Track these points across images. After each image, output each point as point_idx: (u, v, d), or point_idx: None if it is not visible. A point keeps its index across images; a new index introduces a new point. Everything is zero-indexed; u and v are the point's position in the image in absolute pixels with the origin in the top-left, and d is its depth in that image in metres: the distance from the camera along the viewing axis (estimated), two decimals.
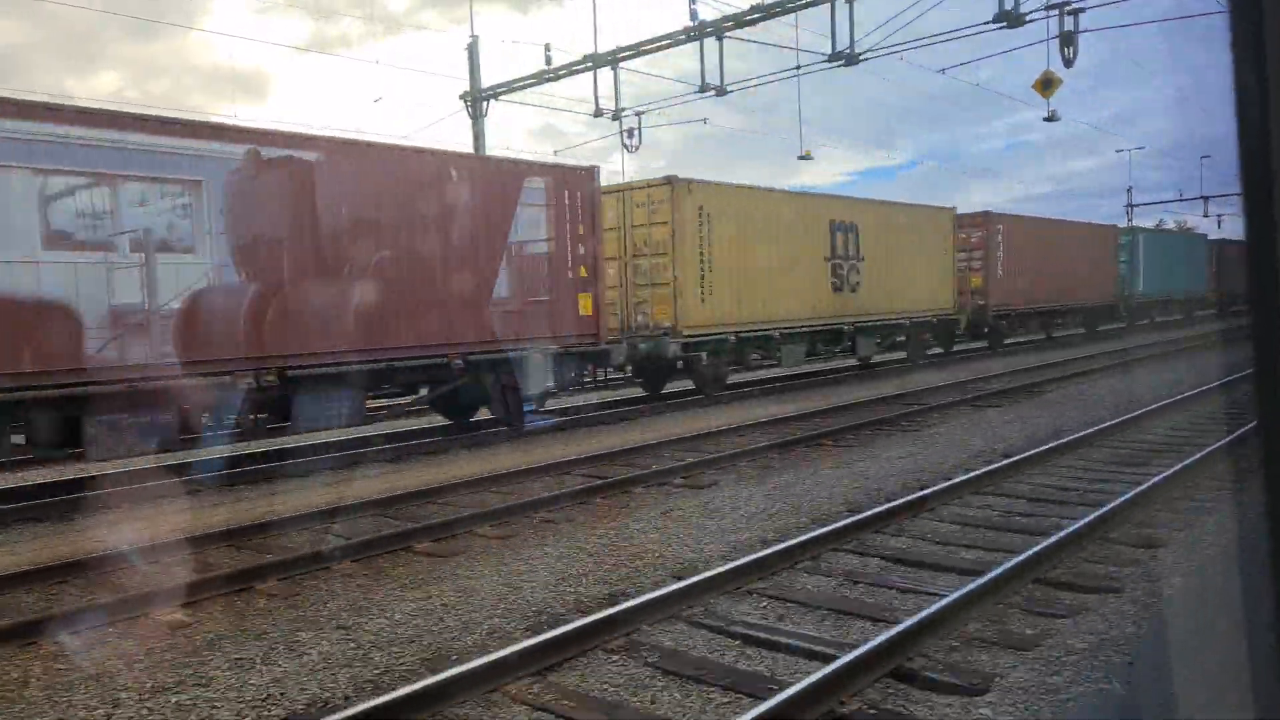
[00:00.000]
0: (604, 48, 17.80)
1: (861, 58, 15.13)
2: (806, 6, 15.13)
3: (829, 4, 14.77)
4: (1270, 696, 1.03)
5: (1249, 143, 0.86)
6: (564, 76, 18.86)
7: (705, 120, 28.26)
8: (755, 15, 15.46)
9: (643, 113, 18.74)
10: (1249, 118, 0.85)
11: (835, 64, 15.46)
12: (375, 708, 3.60)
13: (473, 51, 20.05)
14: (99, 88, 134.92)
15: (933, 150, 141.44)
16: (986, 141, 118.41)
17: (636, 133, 18.76)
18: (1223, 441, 9.06)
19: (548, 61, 18.72)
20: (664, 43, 16.80)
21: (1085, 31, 13.61)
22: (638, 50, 17.32)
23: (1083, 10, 13.48)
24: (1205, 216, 40.02)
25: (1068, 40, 13.54)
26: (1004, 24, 13.63)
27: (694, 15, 15.98)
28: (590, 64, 18.13)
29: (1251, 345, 0.89)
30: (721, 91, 16.99)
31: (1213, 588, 5.03)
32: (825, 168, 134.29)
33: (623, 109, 18.52)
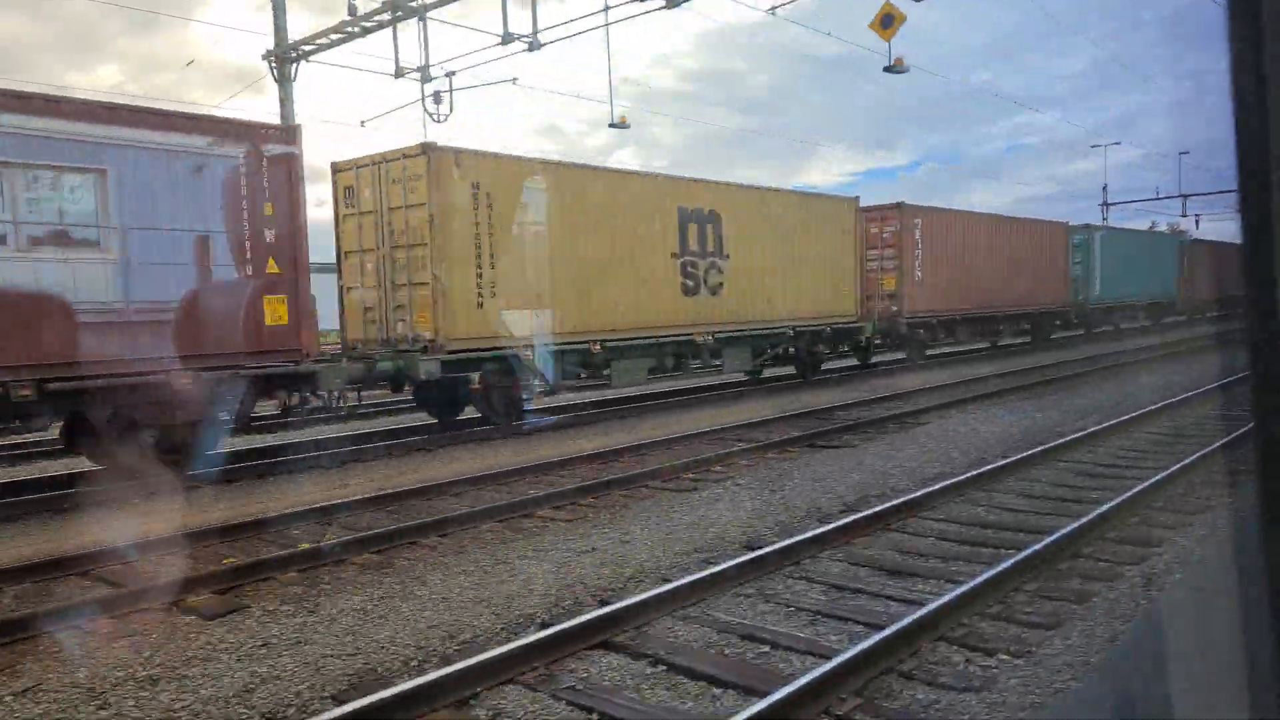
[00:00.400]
0: None
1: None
2: None
3: None
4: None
5: (1246, 144, 0.86)
6: (371, 31, 16.06)
7: (515, 80, 24.47)
8: None
9: (453, 73, 16.38)
10: (1246, 119, 0.85)
11: (652, 8, 13.76)
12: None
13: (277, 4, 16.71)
14: (99, 82, 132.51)
15: (934, 152, 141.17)
16: (988, 144, 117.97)
17: (447, 99, 16.23)
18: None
19: (351, 11, 15.73)
20: None
21: None
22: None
23: None
24: (1183, 216, 37.92)
25: None
26: None
27: None
28: (392, 12, 15.52)
29: (1247, 348, 0.88)
30: (534, 45, 14.86)
31: None
32: (826, 168, 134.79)
33: (429, 66, 15.98)
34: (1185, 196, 37.93)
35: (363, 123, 26.69)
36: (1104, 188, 44.38)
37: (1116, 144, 52.33)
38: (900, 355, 21.96)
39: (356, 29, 15.92)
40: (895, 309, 19.81)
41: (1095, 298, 28.24)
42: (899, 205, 20.00)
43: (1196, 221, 42.51)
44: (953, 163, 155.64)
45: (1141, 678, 3.44)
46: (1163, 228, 48.29)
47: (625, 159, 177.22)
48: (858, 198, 18.58)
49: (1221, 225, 49.04)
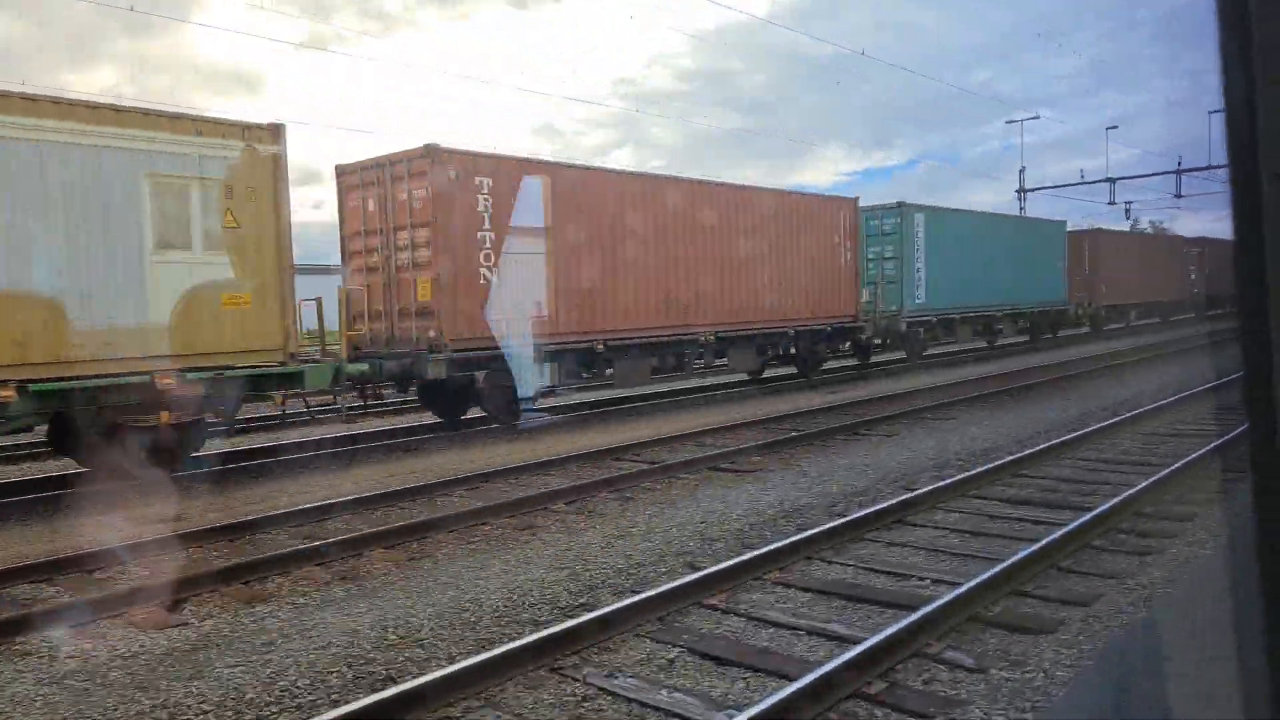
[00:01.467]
0: None
1: None
2: None
3: None
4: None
5: (1237, 145, 0.87)
6: None
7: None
8: None
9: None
10: (1237, 120, 0.86)
11: None
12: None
13: None
14: (95, 84, 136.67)
15: (931, 150, 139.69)
16: (984, 143, 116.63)
17: None
18: None
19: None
20: None
21: None
22: None
23: None
24: (1111, 204, 34.33)
25: None
26: None
27: None
28: None
29: (1240, 349, 0.89)
30: None
31: None
32: (823, 168, 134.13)
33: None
34: (1112, 180, 33.44)
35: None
36: (1021, 170, 38.80)
37: (1035, 118, 51.39)
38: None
39: None
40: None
41: (916, 308, 20.31)
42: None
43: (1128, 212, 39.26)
44: (950, 162, 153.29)
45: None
46: (1144, 227, 46.72)
47: (623, 158, 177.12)
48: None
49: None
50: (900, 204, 20.23)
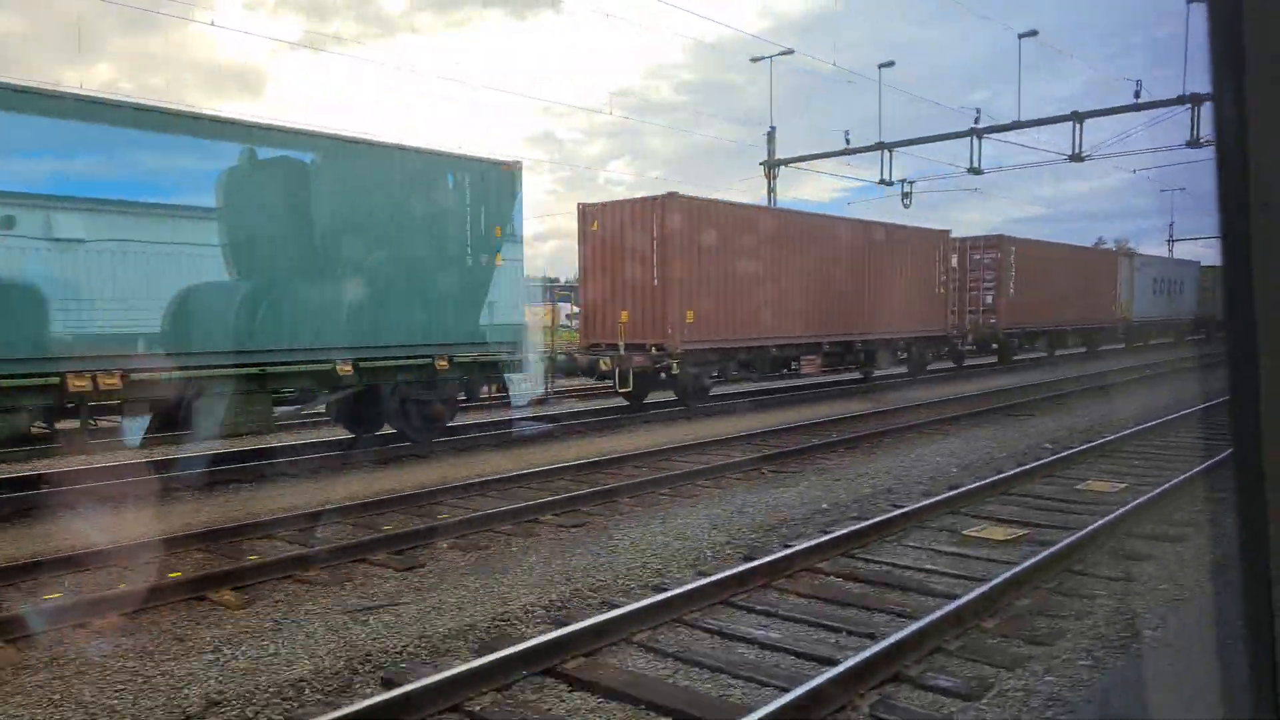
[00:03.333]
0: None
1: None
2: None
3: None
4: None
5: (1227, 168, 0.89)
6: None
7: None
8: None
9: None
10: (1228, 144, 0.89)
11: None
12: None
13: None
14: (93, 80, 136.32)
15: (926, 169, 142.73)
16: (979, 163, 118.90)
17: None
18: None
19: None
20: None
21: None
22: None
23: None
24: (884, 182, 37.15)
25: None
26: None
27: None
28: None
29: (1227, 368, 0.93)
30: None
31: None
32: (821, 183, 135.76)
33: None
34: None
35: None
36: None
37: (787, 52, 46.54)
38: None
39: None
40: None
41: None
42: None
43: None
44: (945, 181, 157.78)
45: None
46: (1110, 244, 49.28)
47: (620, 169, 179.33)
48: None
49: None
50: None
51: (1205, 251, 54.86)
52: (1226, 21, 0.87)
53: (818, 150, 33.04)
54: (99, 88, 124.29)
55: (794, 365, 19.21)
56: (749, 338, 17.15)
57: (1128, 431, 12.95)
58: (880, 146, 28.57)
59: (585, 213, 16.66)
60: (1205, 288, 44.00)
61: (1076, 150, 25.31)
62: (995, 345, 27.54)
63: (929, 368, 24.65)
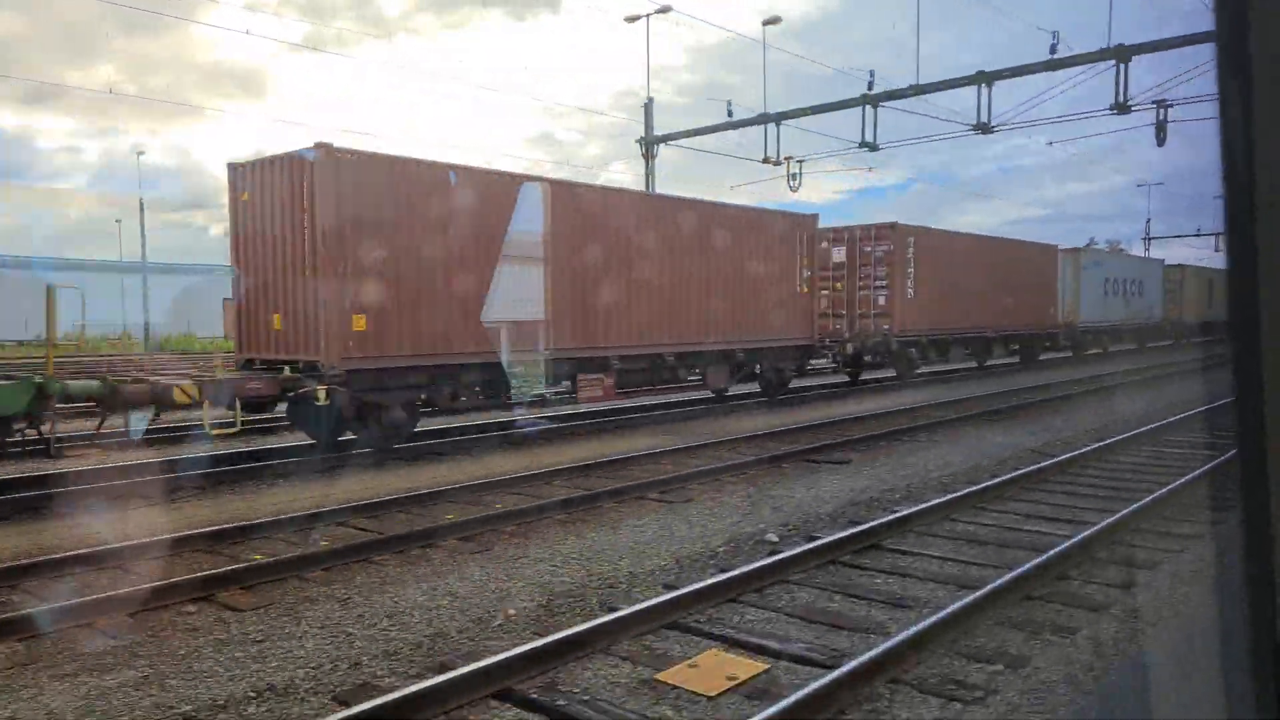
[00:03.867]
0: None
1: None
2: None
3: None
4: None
5: (1232, 174, 0.88)
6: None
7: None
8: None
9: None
10: (1234, 150, 0.88)
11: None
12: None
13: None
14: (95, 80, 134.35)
15: (926, 172, 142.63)
16: (979, 165, 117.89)
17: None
18: None
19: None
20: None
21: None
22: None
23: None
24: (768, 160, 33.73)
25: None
26: (1114, 111, 19.16)
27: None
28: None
29: (1232, 368, 0.90)
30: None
31: None
32: (819, 186, 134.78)
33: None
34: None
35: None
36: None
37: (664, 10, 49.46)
38: None
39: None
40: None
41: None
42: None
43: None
44: (945, 183, 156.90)
45: None
46: (1100, 246, 47.29)
47: (621, 170, 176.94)
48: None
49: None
50: None
51: (1190, 252, 51.05)
52: (1232, 23, 0.88)
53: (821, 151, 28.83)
54: (99, 87, 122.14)
55: (568, 387, 14.45)
56: (458, 354, 12.14)
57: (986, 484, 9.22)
58: (764, 119, 24.14)
59: (235, 178, 12.05)
60: (1171, 289, 39.33)
61: (983, 119, 20.78)
62: (889, 358, 22.86)
63: (794, 384, 19.92)
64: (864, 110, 22.02)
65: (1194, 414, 14.11)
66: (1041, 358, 30.87)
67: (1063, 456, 10.74)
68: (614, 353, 14.46)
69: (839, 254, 22.34)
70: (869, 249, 21.91)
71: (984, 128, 20.78)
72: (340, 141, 11.30)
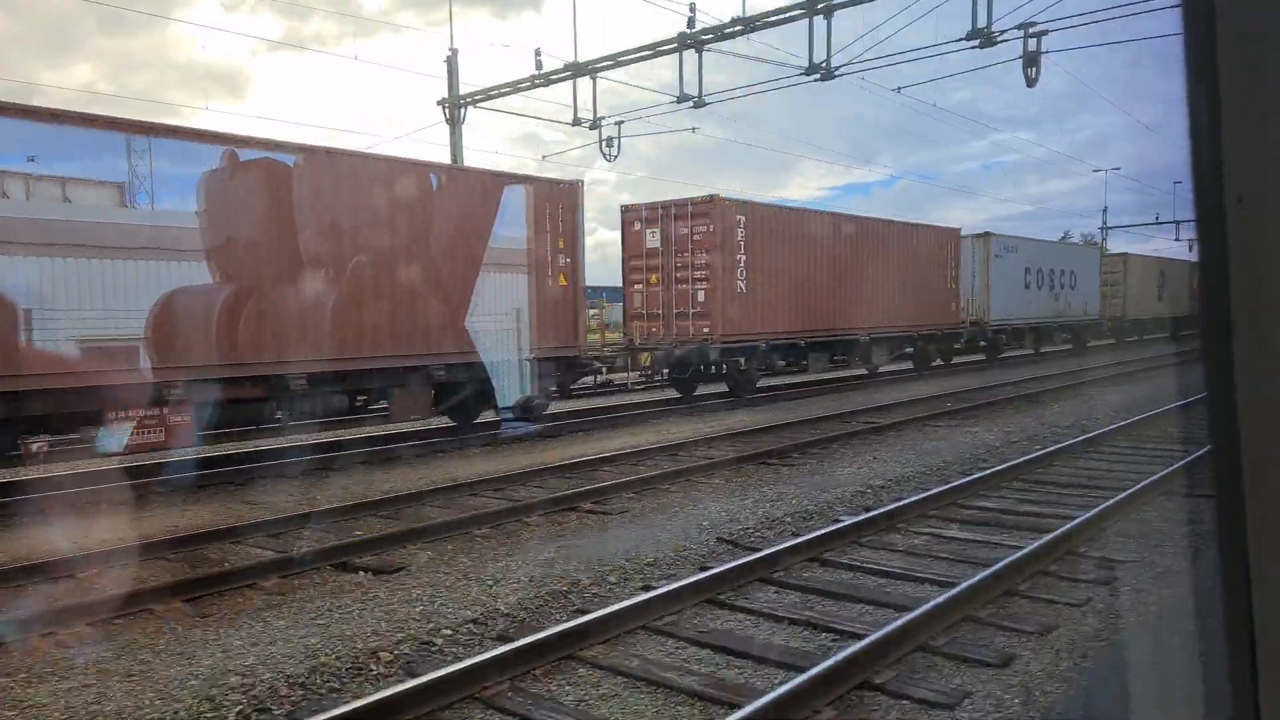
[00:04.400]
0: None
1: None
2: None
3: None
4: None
5: (1202, 169, 0.89)
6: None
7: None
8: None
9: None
10: (1202, 145, 0.89)
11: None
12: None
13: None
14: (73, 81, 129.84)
15: (911, 168, 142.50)
16: (963, 162, 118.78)
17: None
18: None
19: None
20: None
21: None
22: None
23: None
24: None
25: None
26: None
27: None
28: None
29: (1204, 364, 0.92)
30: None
31: None
32: (804, 183, 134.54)
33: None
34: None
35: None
36: None
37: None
38: None
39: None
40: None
41: None
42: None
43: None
44: (930, 180, 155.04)
45: None
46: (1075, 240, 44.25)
47: (602, 171, 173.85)
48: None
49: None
50: None
51: (1165, 244, 48.36)
52: (1199, 16, 0.88)
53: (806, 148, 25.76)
54: (79, 88, 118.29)
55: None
56: None
57: None
58: (573, 71, 19.38)
59: None
60: (1112, 280, 34.86)
61: (818, 59, 16.07)
62: (712, 369, 18.06)
63: (585, 405, 15.21)
64: (680, 56, 17.36)
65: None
66: (954, 362, 26.54)
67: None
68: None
69: (653, 238, 17.63)
70: (685, 230, 17.18)
71: (821, 70, 16.08)
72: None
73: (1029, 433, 12.87)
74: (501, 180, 13.04)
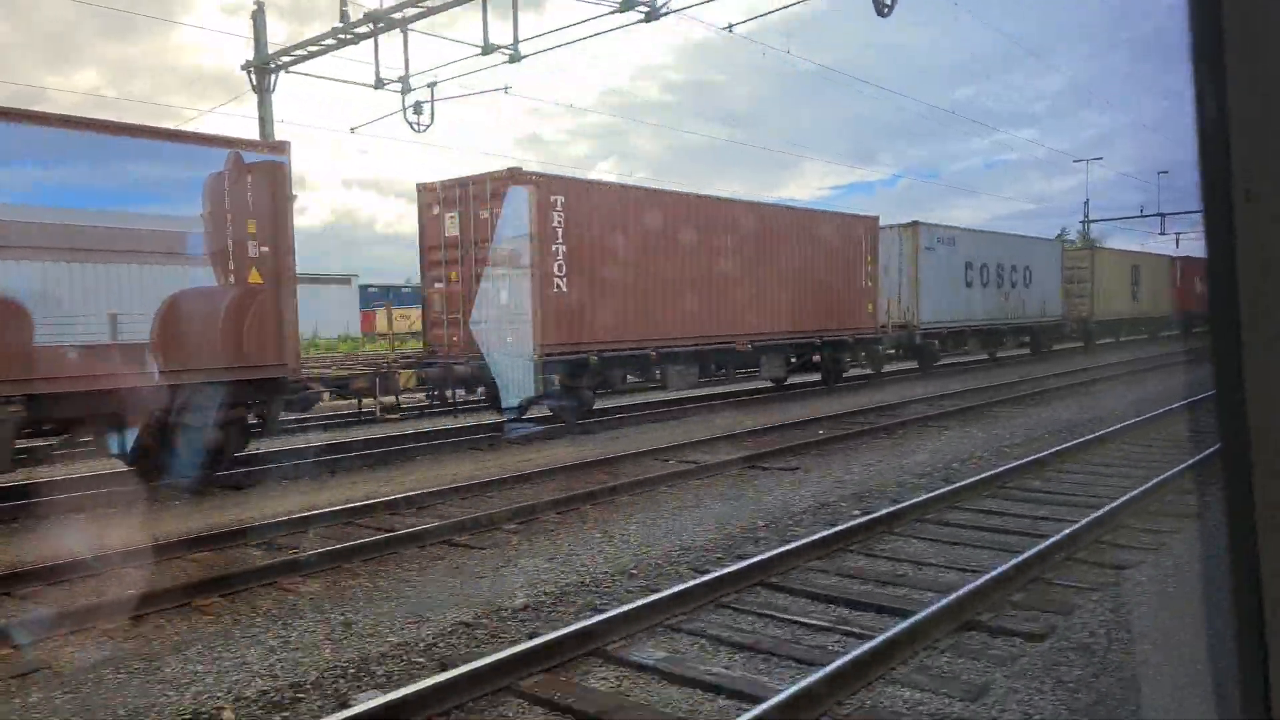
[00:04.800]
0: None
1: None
2: None
3: None
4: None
5: (1210, 166, 0.88)
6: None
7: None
8: None
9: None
10: (1210, 142, 0.88)
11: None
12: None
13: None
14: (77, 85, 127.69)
15: (913, 167, 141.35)
16: (965, 160, 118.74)
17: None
18: None
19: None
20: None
21: None
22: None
23: None
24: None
25: None
26: None
27: None
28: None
29: (1212, 361, 0.90)
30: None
31: None
32: (806, 182, 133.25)
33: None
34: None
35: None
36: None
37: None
38: None
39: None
40: None
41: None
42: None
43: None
44: (932, 178, 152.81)
45: None
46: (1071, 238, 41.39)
47: (606, 169, 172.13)
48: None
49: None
50: None
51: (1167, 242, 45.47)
52: (1207, 10, 0.87)
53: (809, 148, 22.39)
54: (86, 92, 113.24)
55: None
56: None
57: None
58: (373, 25, 15.82)
59: None
60: (1076, 276, 31.23)
61: None
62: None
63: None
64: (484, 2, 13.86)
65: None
66: (885, 371, 22.83)
67: None
68: None
69: (452, 224, 14.02)
70: (486, 215, 13.59)
71: (644, 7, 12.51)
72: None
73: (875, 481, 9.29)
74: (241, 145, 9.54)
